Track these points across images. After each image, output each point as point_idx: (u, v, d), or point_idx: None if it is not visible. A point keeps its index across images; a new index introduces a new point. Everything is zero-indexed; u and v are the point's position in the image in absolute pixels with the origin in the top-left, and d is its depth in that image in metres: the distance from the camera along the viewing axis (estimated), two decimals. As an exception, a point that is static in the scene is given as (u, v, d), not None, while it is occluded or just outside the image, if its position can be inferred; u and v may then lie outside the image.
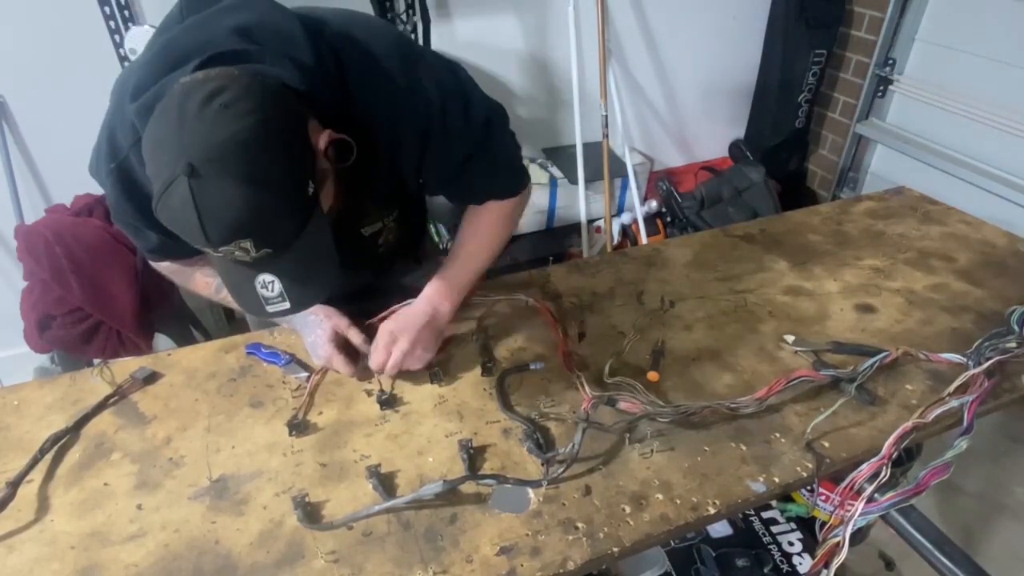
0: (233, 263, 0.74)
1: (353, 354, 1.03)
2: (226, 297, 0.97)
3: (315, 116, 0.77)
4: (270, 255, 0.73)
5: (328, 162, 0.78)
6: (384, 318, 1.05)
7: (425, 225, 1.30)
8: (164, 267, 1.06)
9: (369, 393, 1.00)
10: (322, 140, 0.76)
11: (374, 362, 0.99)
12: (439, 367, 1.04)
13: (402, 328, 1.00)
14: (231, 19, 0.77)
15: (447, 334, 1.10)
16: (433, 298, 1.03)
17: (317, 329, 1.04)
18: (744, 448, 0.90)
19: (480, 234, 1.07)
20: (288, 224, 0.73)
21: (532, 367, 1.04)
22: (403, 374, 1.03)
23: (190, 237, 0.70)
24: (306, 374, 1.03)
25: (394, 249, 1.13)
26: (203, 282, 1.05)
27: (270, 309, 0.78)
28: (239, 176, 0.66)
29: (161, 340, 2.10)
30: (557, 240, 2.64)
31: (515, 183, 1.05)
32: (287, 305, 0.78)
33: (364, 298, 1.11)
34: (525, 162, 1.07)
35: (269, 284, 0.76)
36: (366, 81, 0.84)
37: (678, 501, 0.83)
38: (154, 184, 0.69)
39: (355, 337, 1.04)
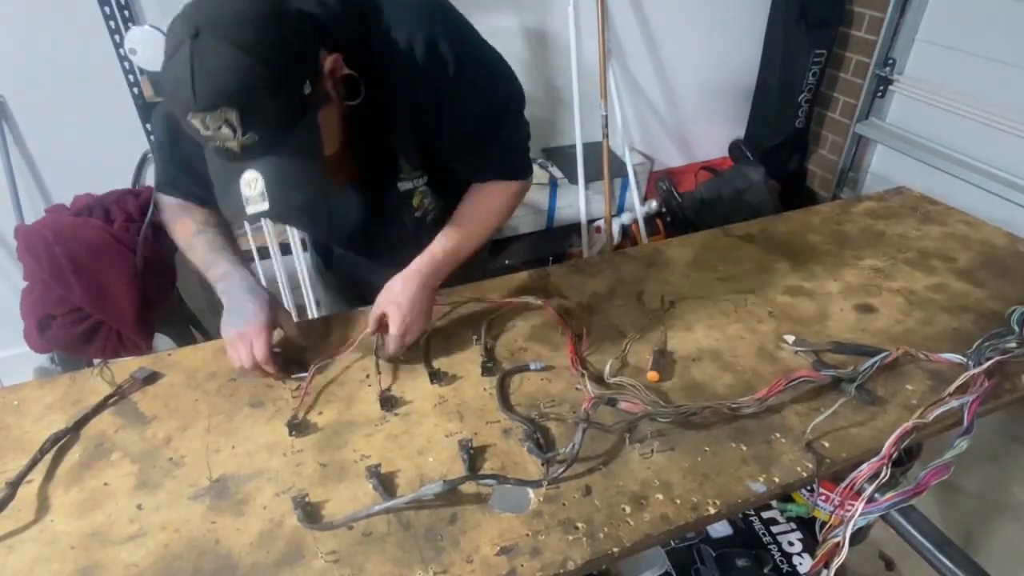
0: (224, 154, 0.74)
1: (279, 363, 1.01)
2: (203, 244, 1.01)
3: (331, 49, 0.78)
4: (256, 144, 0.73)
5: (335, 94, 0.80)
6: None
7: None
8: (165, 206, 1.08)
9: (369, 383, 1.00)
10: (329, 62, 0.77)
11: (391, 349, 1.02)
12: (439, 367, 1.04)
13: (396, 308, 1.00)
14: None
15: (450, 331, 1.10)
16: (423, 269, 1.03)
17: (254, 303, 0.97)
18: (744, 448, 0.90)
19: (478, 213, 1.09)
20: (276, 108, 0.73)
21: (532, 367, 1.04)
22: (403, 375, 1.04)
23: (182, 100, 0.70)
24: (306, 374, 1.02)
25: (437, 219, 1.11)
26: (184, 224, 1.04)
27: (249, 210, 0.77)
28: (237, 42, 0.68)
29: (161, 340, 2.10)
30: (557, 240, 2.63)
31: (521, 168, 1.11)
32: (266, 206, 0.76)
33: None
34: None
35: (252, 182, 0.75)
36: (386, 31, 0.85)
37: (678, 501, 0.83)
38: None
39: (290, 329, 1.05)
